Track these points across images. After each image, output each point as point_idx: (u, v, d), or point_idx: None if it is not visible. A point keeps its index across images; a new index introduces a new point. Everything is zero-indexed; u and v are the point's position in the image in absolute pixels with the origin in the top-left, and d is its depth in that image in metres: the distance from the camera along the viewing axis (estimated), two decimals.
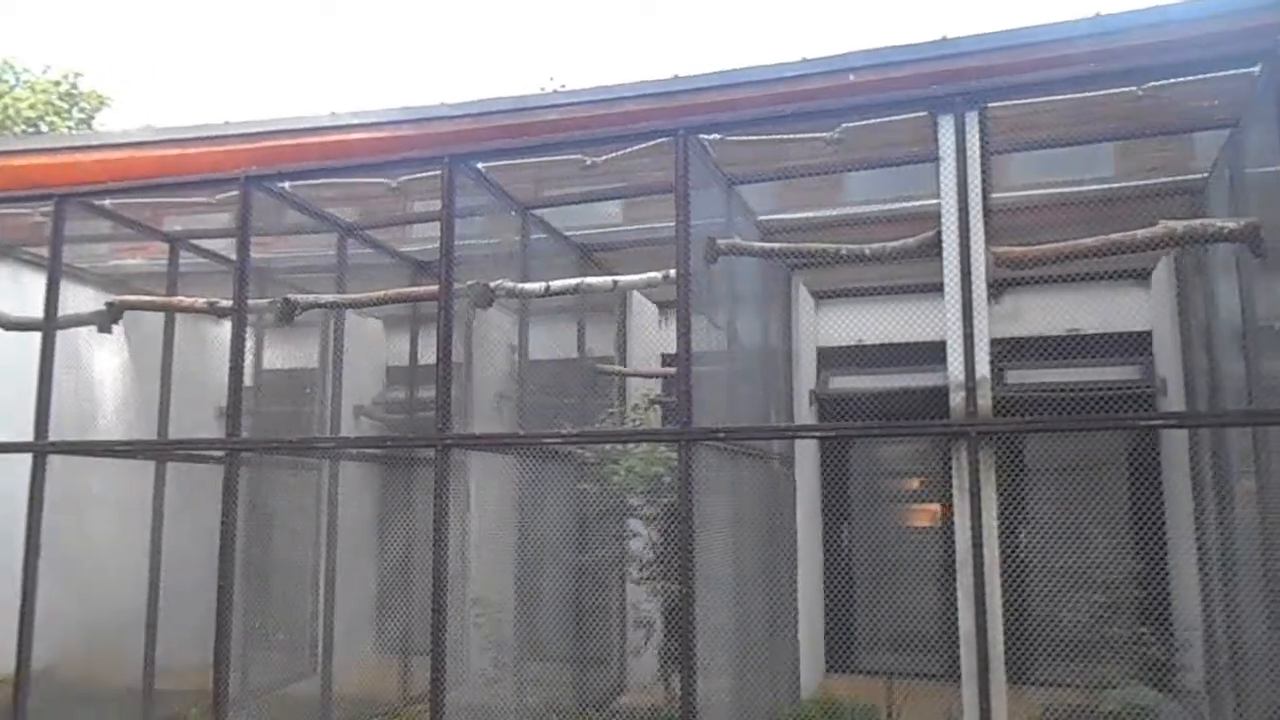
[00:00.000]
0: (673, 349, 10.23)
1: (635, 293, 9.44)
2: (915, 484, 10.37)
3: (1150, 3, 5.76)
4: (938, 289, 9.20)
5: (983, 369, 5.08)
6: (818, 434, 5.12)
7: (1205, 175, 6.67)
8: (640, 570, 7.35)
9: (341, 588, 7.98)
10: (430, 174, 6.60)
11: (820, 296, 9.36)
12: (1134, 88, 5.35)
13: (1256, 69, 5.06)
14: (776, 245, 5.85)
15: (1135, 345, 8.66)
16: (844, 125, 5.94)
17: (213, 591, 6.28)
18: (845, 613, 9.30)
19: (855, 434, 5.42)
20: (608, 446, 7.20)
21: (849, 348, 9.28)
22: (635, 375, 8.18)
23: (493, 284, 6.44)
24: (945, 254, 5.31)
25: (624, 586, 7.98)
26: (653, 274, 6.18)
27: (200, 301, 7.25)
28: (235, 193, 6.76)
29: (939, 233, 5.60)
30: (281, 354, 9.21)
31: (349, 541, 8.32)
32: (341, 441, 7.24)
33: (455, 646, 6.30)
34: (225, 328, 10.00)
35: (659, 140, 5.78)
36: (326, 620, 7.70)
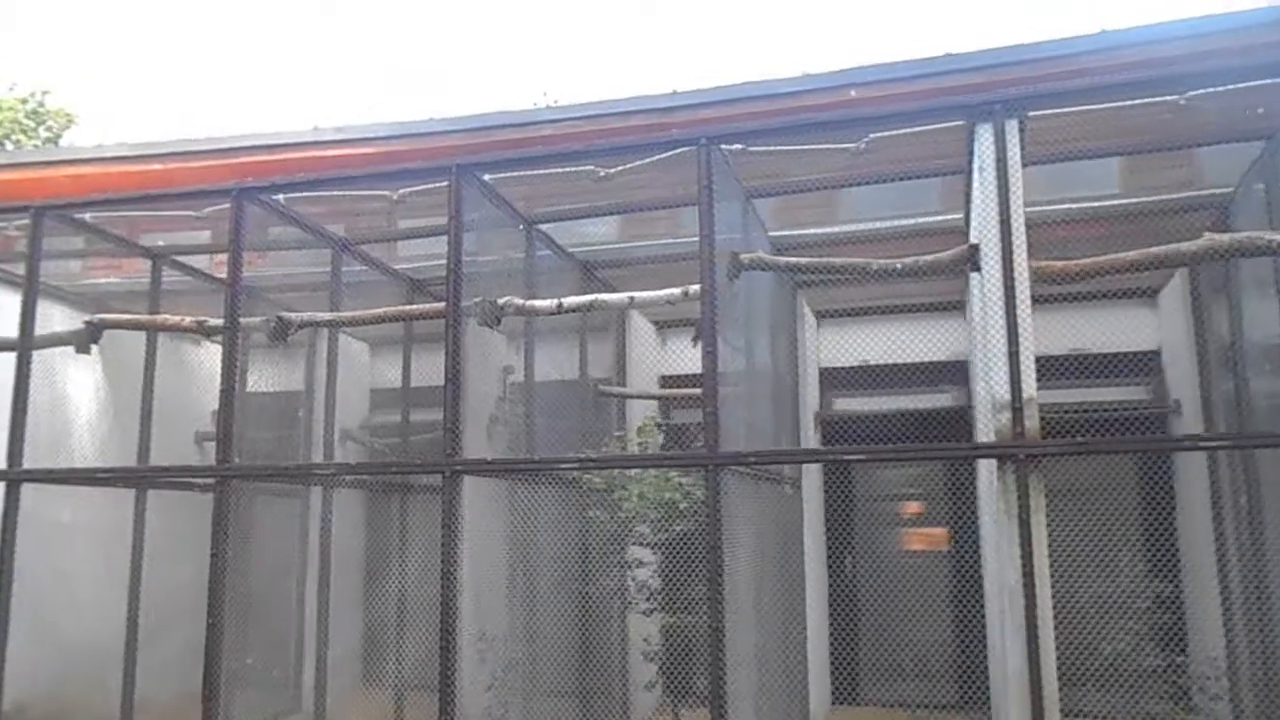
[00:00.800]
0: (672, 370, 10.14)
1: (634, 313, 9.15)
2: (917, 508, 10.12)
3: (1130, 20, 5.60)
4: (946, 308, 9.20)
5: (1029, 388, 4.82)
6: (850, 458, 4.85)
7: (1231, 190, 6.49)
8: (649, 600, 7.00)
9: (333, 621, 7.56)
10: (432, 186, 6.28)
11: (822, 316, 9.13)
12: (1176, 96, 5.14)
13: None
14: (804, 260, 5.58)
15: (1143, 365, 8.49)
16: (871, 136, 5.69)
17: (192, 623, 5.89)
18: (850, 642, 8.99)
19: (889, 458, 5.15)
20: (616, 472, 6.86)
21: (852, 369, 9.04)
22: (642, 397, 7.85)
23: (500, 301, 6.10)
24: (985, 268, 5.06)
25: (626, 617, 7.63)
26: (671, 290, 5.88)
27: (188, 320, 6.84)
28: (222, 206, 6.39)
29: (974, 246, 5.36)
30: (262, 377, 8.79)
31: (337, 572, 7.91)
32: (342, 468, 6.83)
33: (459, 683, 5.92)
34: (205, 350, 9.64)
35: (680, 150, 5.49)
36: (319, 654, 7.26)
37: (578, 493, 7.04)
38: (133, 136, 10.37)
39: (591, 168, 5.89)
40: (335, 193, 6.22)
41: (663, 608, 6.83)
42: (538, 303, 6.20)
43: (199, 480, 7.19)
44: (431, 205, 7.14)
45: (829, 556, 8.85)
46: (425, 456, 8.44)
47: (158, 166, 8.77)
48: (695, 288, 5.80)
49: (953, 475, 9.14)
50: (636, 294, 5.90)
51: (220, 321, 6.54)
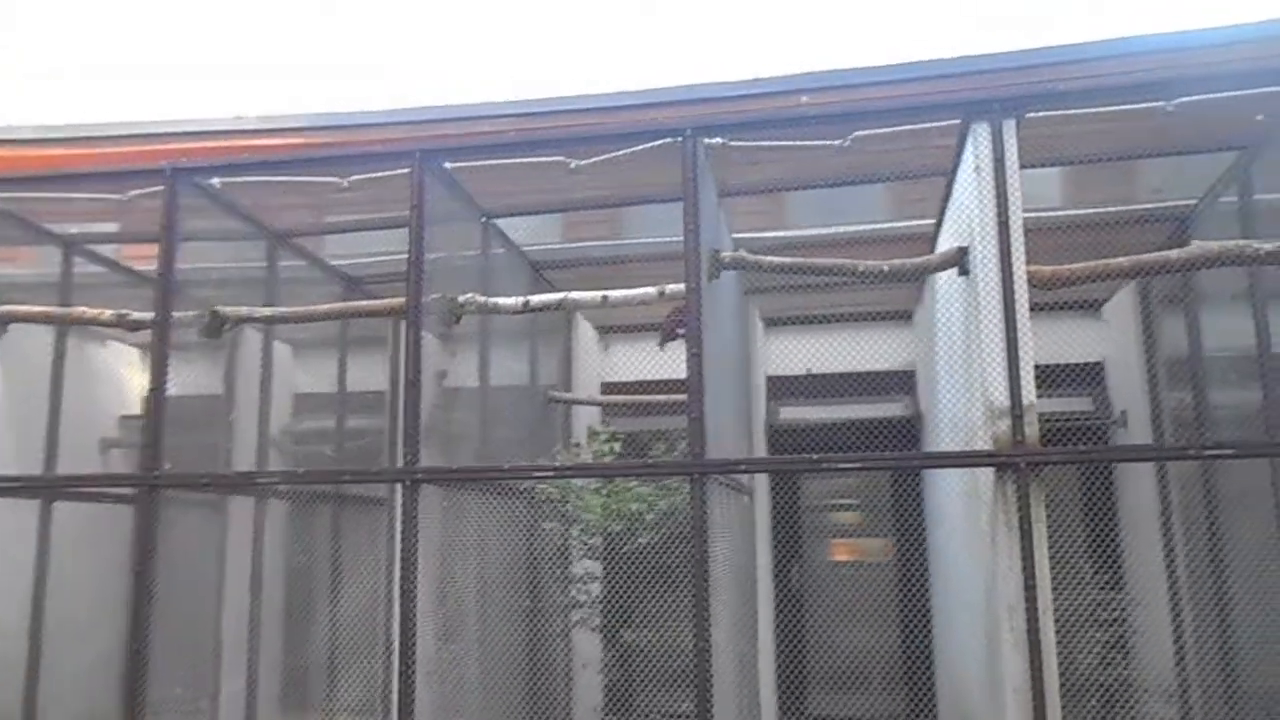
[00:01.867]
0: (614, 378, 9.79)
1: (581, 317, 8.79)
2: (859, 519, 10.00)
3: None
4: (894, 317, 9.09)
5: (1029, 394, 4.64)
6: (847, 465, 4.59)
7: (1192, 202, 6.49)
8: (606, 617, 6.64)
9: (256, 644, 6.96)
10: (381, 174, 5.81)
11: (771, 324, 8.92)
12: (1164, 103, 5.04)
13: None
14: (790, 260, 5.31)
15: (1087, 377, 8.52)
16: (857, 134, 5.46)
17: (98, 641, 5.30)
18: (798, 655, 8.77)
19: (882, 466, 4.95)
20: (572, 482, 6.48)
21: (798, 377, 8.84)
22: (603, 404, 7.49)
23: (461, 298, 5.67)
24: (981, 271, 4.87)
25: (579, 636, 7.24)
26: (646, 290, 5.55)
27: (107, 314, 6.20)
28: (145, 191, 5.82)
29: (962, 249, 5.18)
30: (176, 379, 8.12)
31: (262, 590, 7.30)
32: (288, 476, 6.25)
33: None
34: (109, 350, 8.88)
35: (664, 140, 5.17)
36: (250, 680, 6.66)
37: (528, 504, 6.63)
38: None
39: (562, 159, 5.50)
40: (282, 178, 5.69)
41: (623, 625, 6.47)
42: (502, 300, 5.79)
43: (115, 490, 6.52)
44: (371, 200, 6.67)
45: (775, 568, 8.62)
46: (359, 465, 7.92)
47: (70, 151, 8.07)
48: (673, 287, 5.50)
49: (898, 486, 9.03)
50: (611, 292, 5.54)
51: (145, 316, 5.95)
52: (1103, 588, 6.27)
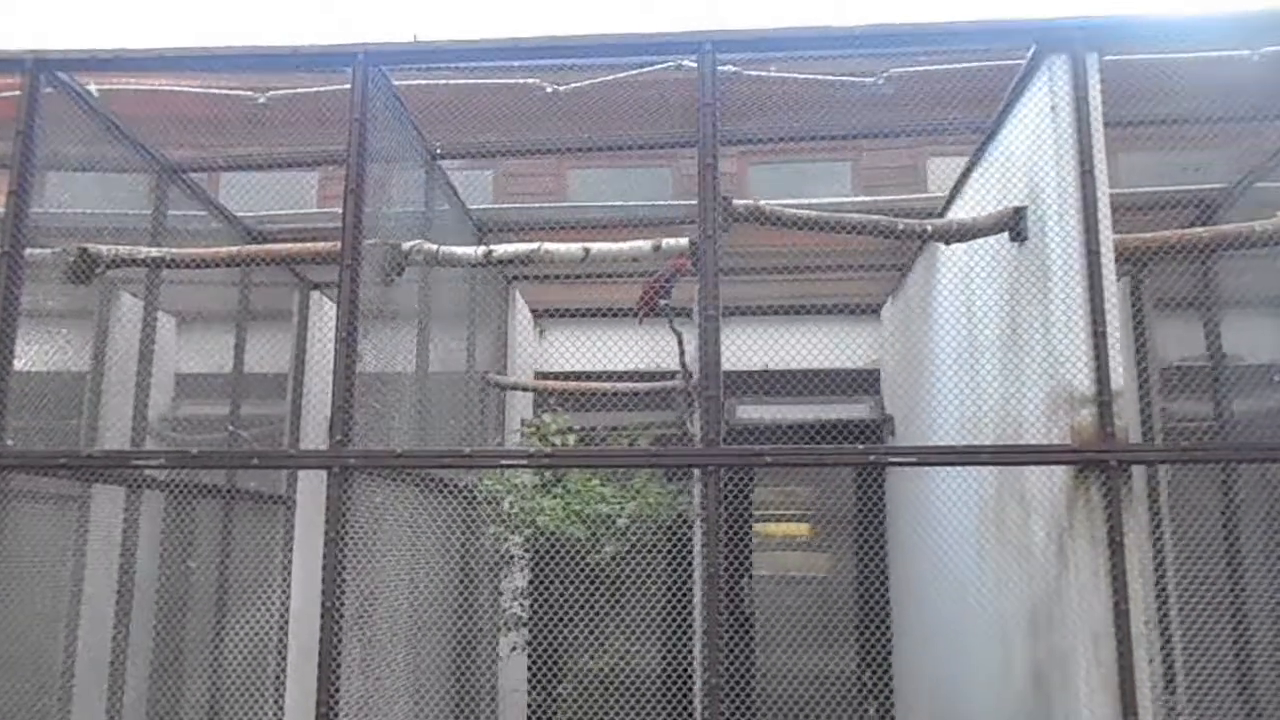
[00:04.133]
0: (550, 366, 8.66)
1: (519, 297, 7.65)
2: (807, 530, 9.13)
3: None
4: (860, 311, 8.25)
5: (1118, 378, 3.77)
6: (897, 461, 3.64)
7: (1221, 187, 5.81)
8: (559, 641, 5.52)
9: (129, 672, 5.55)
10: (316, 88, 4.61)
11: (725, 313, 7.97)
12: (1250, 52, 4.28)
13: None
14: (813, 213, 4.33)
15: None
16: (892, 71, 4.54)
17: None
18: (747, 673, 7.82)
19: (939, 462, 3.98)
20: (525, 479, 5.35)
21: (755, 373, 7.92)
22: (560, 390, 6.35)
23: (406, 245, 4.50)
24: (1057, 232, 3.99)
25: (512, 659, 6.08)
26: (638, 243, 4.49)
27: None
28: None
29: (1018, 210, 4.30)
30: (28, 350, 6.63)
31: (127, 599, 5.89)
32: (177, 458, 4.85)
33: None
34: None
35: (677, 60, 4.14)
36: (112, 699, 5.28)
37: (467, 504, 5.47)
38: None
39: (537, 82, 4.40)
40: (175, 86, 4.41)
41: (580, 650, 5.36)
42: (460, 249, 4.62)
43: None
44: (289, 124, 5.45)
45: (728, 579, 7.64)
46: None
47: None
48: (671, 241, 4.46)
49: (862, 492, 8.18)
50: (594, 245, 4.45)
51: None
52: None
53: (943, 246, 5.90)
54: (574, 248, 4.45)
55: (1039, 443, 4.05)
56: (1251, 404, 5.94)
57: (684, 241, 4.47)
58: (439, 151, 5.07)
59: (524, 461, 3.80)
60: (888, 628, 7.72)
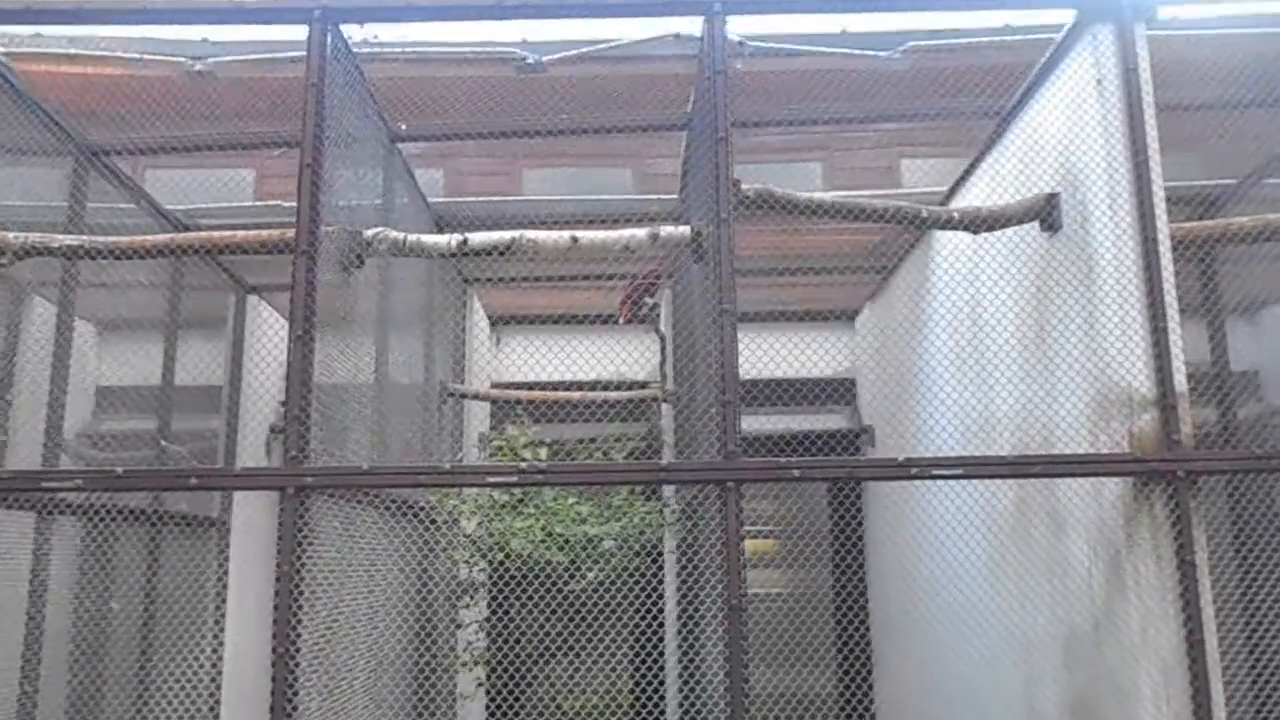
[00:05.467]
0: (507, 378, 8.04)
1: (478, 302, 7.05)
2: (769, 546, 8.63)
3: None
4: (829, 319, 7.83)
5: (1181, 379, 3.35)
6: (943, 474, 3.16)
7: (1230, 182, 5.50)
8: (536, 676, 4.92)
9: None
10: (262, 55, 3.98)
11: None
12: None
13: None
14: (829, 197, 3.84)
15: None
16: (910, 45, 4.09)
17: None
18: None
19: (997, 474, 3.48)
20: (494, 497, 4.76)
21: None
22: (527, 400, 5.76)
23: (369, 232, 3.89)
24: (1106, 219, 3.56)
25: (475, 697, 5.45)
26: (634, 231, 3.94)
27: None
28: None
29: (1052, 196, 3.88)
30: None
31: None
32: (96, 479, 4.06)
33: None
34: None
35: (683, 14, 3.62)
36: None
37: (425, 527, 4.85)
38: None
39: (523, 56, 3.85)
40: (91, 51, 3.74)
41: (564, 688, 4.77)
42: (429, 238, 4.01)
43: None
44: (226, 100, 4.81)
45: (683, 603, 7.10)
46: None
47: None
48: (672, 229, 3.93)
49: (837, 506, 7.71)
50: (584, 233, 3.89)
51: None
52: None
53: (938, 244, 5.50)
54: (561, 236, 3.89)
55: (1079, 451, 3.61)
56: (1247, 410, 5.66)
57: (685, 230, 3.95)
58: (403, 132, 4.46)
59: (513, 478, 3.22)
60: (867, 648, 7.28)
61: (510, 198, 6.59)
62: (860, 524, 7.39)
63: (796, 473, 3.28)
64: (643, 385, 6.63)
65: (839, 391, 7.64)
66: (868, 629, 7.28)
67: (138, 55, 4.53)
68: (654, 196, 5.85)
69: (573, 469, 3.60)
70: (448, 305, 6.53)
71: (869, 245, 6.85)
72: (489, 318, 7.50)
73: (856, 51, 4.04)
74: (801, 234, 6.29)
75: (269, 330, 6.68)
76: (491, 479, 3.30)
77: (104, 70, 6.31)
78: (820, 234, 6.50)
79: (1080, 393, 3.71)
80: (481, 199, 6.11)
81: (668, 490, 5.96)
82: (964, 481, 4.59)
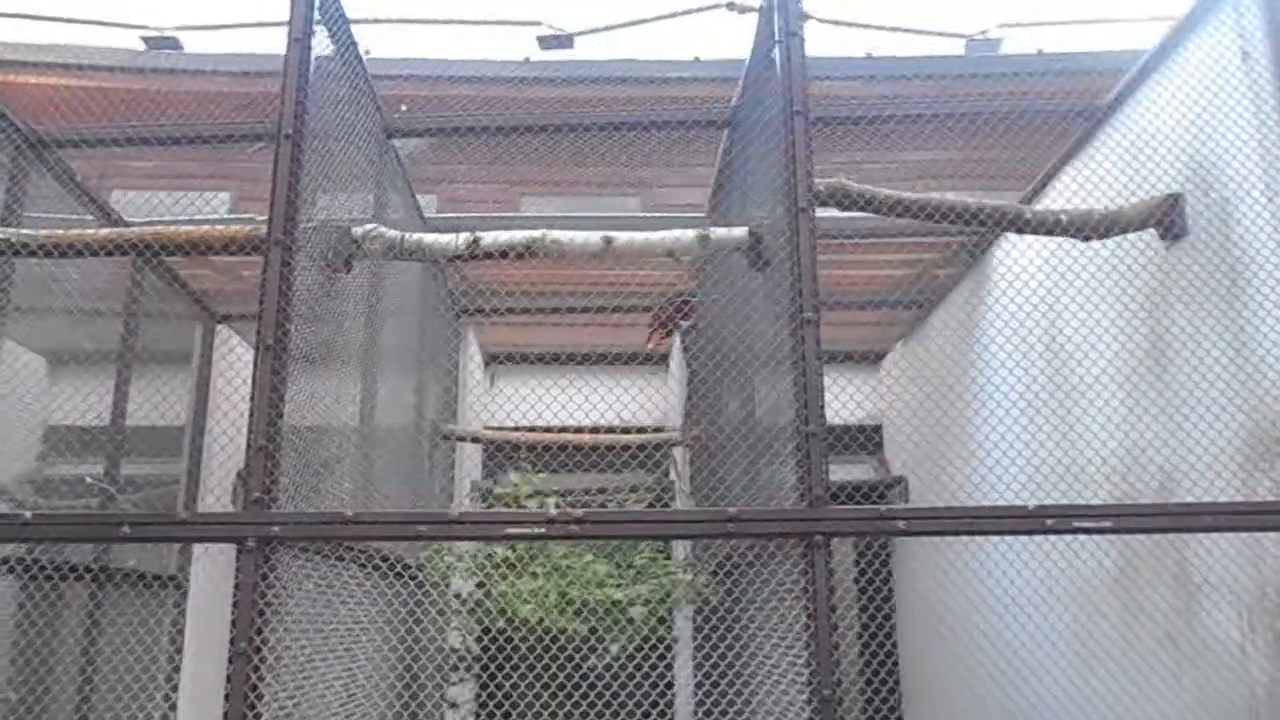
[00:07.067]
0: (500, 421, 7.26)
1: (472, 337, 6.30)
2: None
3: None
4: (851, 361, 7.12)
5: None
6: (1086, 527, 2.44)
7: None
8: None
9: None
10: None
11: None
12: None
13: None
14: (917, 195, 3.16)
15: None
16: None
17: None
18: None
19: (1171, 528, 2.71)
20: (479, 559, 3.96)
21: None
22: (544, 442, 5.00)
23: (360, 230, 3.16)
24: (1269, 220, 2.90)
25: None
26: (682, 232, 3.23)
27: None
28: None
29: (1174, 198, 3.22)
30: None
31: None
32: (40, 528, 3.15)
33: None
34: None
35: None
36: None
37: (400, 584, 4.04)
38: None
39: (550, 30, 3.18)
40: None
41: None
42: (431, 237, 3.28)
43: None
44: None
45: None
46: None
47: None
48: (723, 231, 3.23)
49: (863, 564, 6.91)
50: (620, 234, 3.18)
51: None
52: None
53: (998, 271, 4.83)
54: (591, 237, 3.17)
55: (1231, 500, 2.89)
56: None
57: (739, 232, 3.24)
58: (401, 116, 3.75)
59: (540, 529, 2.46)
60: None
61: (514, 214, 5.89)
62: (889, 582, 6.61)
63: (901, 524, 2.53)
64: (658, 429, 5.89)
65: (861, 439, 6.90)
66: (899, 699, 6.45)
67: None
68: (677, 215, 5.18)
69: (619, 517, 2.81)
70: (440, 336, 5.78)
71: (900, 280, 6.21)
72: (484, 355, 6.74)
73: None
74: (823, 267, 5.65)
75: (241, 365, 5.89)
76: (511, 530, 2.52)
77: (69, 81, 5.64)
78: (845, 268, 5.86)
79: (1223, 430, 3.01)
80: (483, 216, 5.39)
81: (677, 549, 5.19)
82: (1039, 539, 3.86)
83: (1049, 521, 2.53)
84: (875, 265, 6.00)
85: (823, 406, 2.62)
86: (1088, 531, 2.55)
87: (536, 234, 3.13)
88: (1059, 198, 4.03)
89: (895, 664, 6.56)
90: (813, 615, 2.47)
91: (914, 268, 6.01)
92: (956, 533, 2.63)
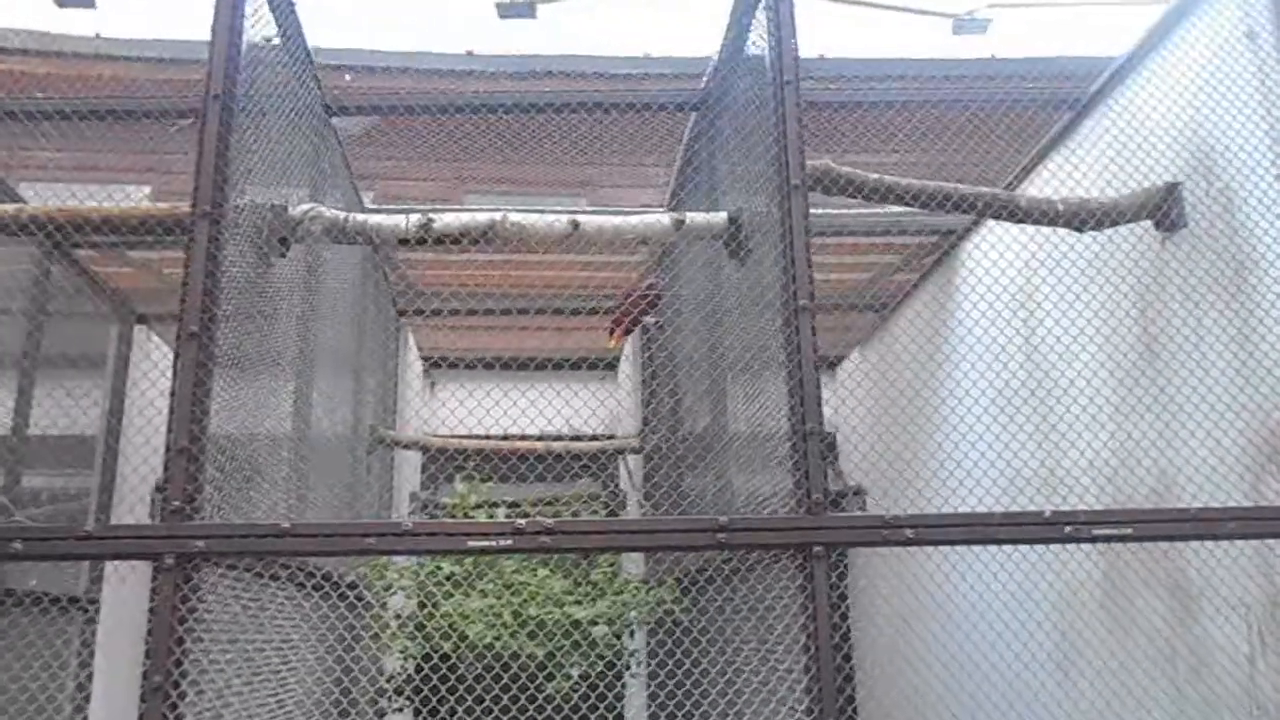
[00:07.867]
0: (439, 427, 6.88)
1: (413, 342, 5.94)
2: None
3: None
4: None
5: None
6: (1102, 533, 2.22)
7: None
8: None
9: None
10: None
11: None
12: None
13: None
14: (902, 180, 2.94)
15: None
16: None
17: None
18: None
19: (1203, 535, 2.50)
20: (438, 572, 3.63)
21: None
22: (490, 450, 4.66)
23: (298, 210, 2.82)
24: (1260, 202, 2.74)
25: None
26: (651, 217, 2.96)
27: None
28: None
29: (1172, 187, 3.06)
30: None
31: None
32: None
33: None
34: None
35: None
36: None
37: (331, 604, 3.68)
38: None
39: None
40: None
41: None
42: (378, 218, 2.95)
43: None
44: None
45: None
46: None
47: None
48: (700, 216, 2.97)
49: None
50: (587, 216, 2.89)
51: None
52: None
53: (965, 269, 4.67)
54: (557, 220, 2.87)
55: (1238, 505, 2.71)
56: None
57: (718, 217, 2.98)
58: (345, 84, 3.42)
59: (507, 540, 2.15)
60: None
61: (464, 208, 5.55)
62: (843, 597, 6.41)
63: (909, 533, 2.28)
64: (609, 437, 5.61)
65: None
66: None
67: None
68: (634, 211, 4.91)
69: (594, 527, 2.50)
70: (380, 336, 5.41)
71: (854, 285, 6.03)
72: (423, 358, 6.38)
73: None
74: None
75: (161, 368, 5.43)
76: (474, 542, 2.21)
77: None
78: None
79: (1227, 430, 2.84)
80: (431, 207, 5.03)
81: (628, 562, 4.91)
82: (1009, 550, 3.66)
83: (1068, 528, 2.31)
84: (826, 269, 5.81)
85: (820, 403, 2.37)
86: (1108, 539, 2.34)
87: (497, 215, 2.83)
88: (1045, 187, 3.87)
89: (852, 691, 6.34)
90: (813, 635, 2.21)
91: (869, 270, 5.84)
92: (969, 542, 2.39)
